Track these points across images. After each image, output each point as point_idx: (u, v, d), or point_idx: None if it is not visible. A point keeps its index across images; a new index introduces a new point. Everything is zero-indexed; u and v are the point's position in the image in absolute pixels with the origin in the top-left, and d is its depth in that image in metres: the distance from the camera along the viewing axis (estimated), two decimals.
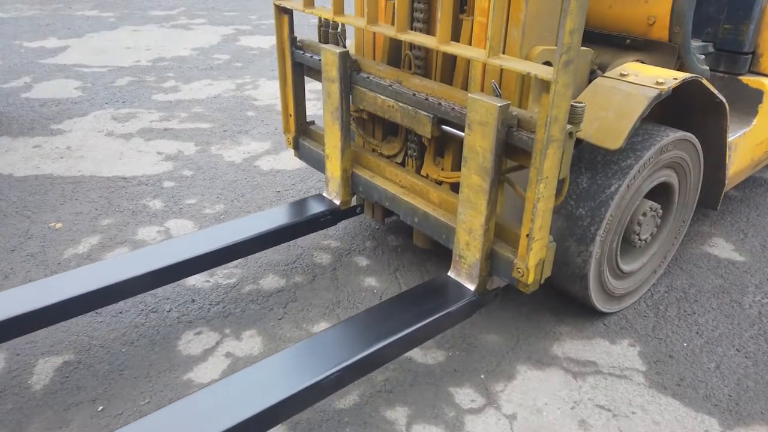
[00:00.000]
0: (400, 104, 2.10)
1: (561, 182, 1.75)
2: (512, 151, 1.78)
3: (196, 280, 2.51)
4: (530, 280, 1.82)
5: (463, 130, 1.83)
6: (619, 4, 2.42)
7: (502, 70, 1.87)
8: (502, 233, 1.94)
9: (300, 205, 2.48)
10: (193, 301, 2.40)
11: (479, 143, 1.76)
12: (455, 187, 2.13)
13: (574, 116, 1.63)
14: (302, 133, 2.70)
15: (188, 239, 2.22)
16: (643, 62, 2.25)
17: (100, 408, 1.90)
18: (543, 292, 2.47)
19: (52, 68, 5.41)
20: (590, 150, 2.10)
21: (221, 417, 1.45)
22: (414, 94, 2.05)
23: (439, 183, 2.24)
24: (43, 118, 4.23)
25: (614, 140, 1.89)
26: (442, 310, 1.87)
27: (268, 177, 3.46)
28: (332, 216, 2.48)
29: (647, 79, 1.97)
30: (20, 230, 2.85)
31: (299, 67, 2.53)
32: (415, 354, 2.15)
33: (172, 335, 2.21)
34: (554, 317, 2.35)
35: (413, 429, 1.85)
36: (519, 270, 1.83)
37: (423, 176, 2.30)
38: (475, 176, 1.82)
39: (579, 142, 1.96)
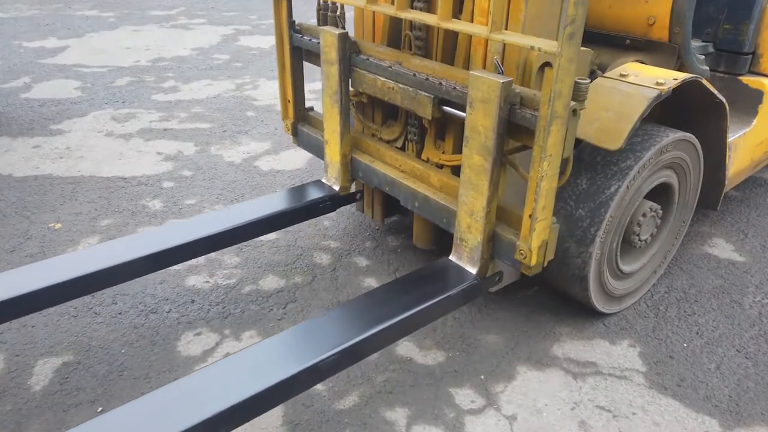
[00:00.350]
0: (400, 85, 2.08)
1: (564, 163, 1.71)
2: (515, 130, 1.75)
3: (195, 281, 2.51)
4: (533, 262, 1.79)
5: (464, 111, 1.80)
6: (619, 4, 2.42)
7: (504, 51, 1.85)
8: (504, 216, 1.91)
9: (299, 191, 2.46)
10: (193, 301, 2.39)
11: (481, 122, 1.74)
12: (456, 171, 2.10)
13: (579, 93, 1.61)
14: (301, 119, 2.67)
15: (187, 223, 2.20)
16: (643, 62, 2.25)
17: (100, 409, 1.89)
18: (543, 293, 2.48)
19: (52, 68, 5.40)
20: (590, 151, 2.10)
21: (219, 397, 1.44)
22: (414, 75, 2.02)
23: (440, 167, 2.22)
24: (42, 119, 4.22)
25: (614, 141, 1.89)
26: (442, 293, 1.84)
27: (267, 177, 3.45)
28: (331, 202, 2.46)
29: (647, 79, 1.97)
30: (20, 231, 2.85)
31: (298, 52, 2.50)
32: (415, 355, 2.15)
33: (171, 336, 2.21)
34: (554, 318, 2.35)
35: (413, 430, 1.85)
36: (522, 252, 1.80)
37: (423, 160, 2.27)
38: (476, 156, 1.79)
39: (579, 142, 1.96)
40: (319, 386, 2.00)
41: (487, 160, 1.77)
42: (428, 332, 2.25)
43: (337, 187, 2.44)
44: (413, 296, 1.83)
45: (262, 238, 2.82)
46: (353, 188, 2.53)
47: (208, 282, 2.51)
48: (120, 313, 2.31)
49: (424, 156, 2.28)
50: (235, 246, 2.75)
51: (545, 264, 1.86)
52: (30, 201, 3.12)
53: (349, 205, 3.10)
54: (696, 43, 2.51)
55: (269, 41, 6.63)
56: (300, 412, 1.90)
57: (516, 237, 1.83)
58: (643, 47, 2.36)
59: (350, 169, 2.43)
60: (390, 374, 2.06)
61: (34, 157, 3.63)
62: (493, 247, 1.92)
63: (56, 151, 3.72)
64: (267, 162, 3.64)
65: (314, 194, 2.42)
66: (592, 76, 2.19)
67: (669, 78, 1.97)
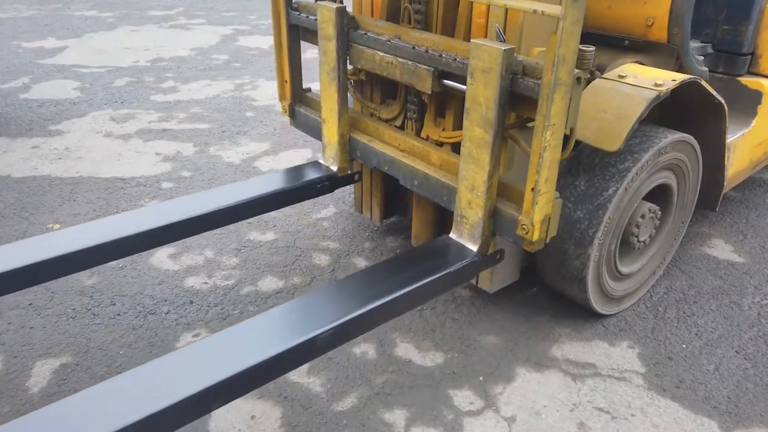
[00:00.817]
0: (400, 59, 2.04)
1: (567, 136, 1.67)
2: (517, 101, 1.71)
3: (194, 282, 2.51)
4: (535, 237, 1.74)
5: (464, 83, 1.76)
6: (618, 5, 2.41)
7: (506, 21, 1.82)
8: (505, 192, 1.88)
9: (296, 171, 2.43)
10: (192, 302, 2.39)
11: (482, 92, 1.70)
12: (456, 148, 2.04)
13: (583, 60, 1.56)
14: (298, 100, 2.63)
15: (186, 201, 2.18)
16: (641, 63, 2.25)
17: None
18: (542, 295, 2.47)
19: (51, 68, 5.40)
20: (588, 152, 2.10)
21: (212, 370, 1.42)
22: (414, 48, 1.98)
23: (440, 144, 2.19)
24: (41, 119, 4.22)
25: (613, 142, 1.88)
26: (442, 270, 1.81)
27: None
28: (330, 182, 2.42)
29: (646, 80, 1.97)
30: (18, 231, 2.84)
31: (295, 30, 2.45)
32: (414, 356, 2.14)
33: (170, 337, 2.21)
34: (553, 319, 2.34)
35: (412, 431, 1.85)
36: (524, 227, 1.75)
37: (423, 138, 2.24)
38: (477, 129, 1.75)
39: (577, 143, 1.95)
40: (317, 387, 2.00)
41: (488, 132, 1.73)
42: (427, 333, 2.25)
43: (335, 168, 2.40)
44: (412, 273, 1.79)
45: (260, 238, 2.82)
46: (351, 169, 2.49)
47: (206, 283, 2.51)
48: (118, 314, 2.31)
49: (423, 134, 2.25)
50: (233, 246, 2.75)
51: (548, 240, 1.81)
52: (28, 202, 3.12)
53: (348, 207, 3.11)
54: (695, 44, 2.51)
55: (269, 41, 6.62)
56: (298, 413, 1.90)
57: (518, 212, 1.79)
58: (642, 48, 2.36)
59: (348, 149, 2.39)
60: (389, 375, 2.06)
61: (32, 157, 3.63)
62: (495, 223, 1.88)
63: (55, 151, 3.72)
64: (266, 162, 3.64)
65: (312, 174, 2.39)
66: (591, 77, 2.19)
67: (668, 79, 1.97)
